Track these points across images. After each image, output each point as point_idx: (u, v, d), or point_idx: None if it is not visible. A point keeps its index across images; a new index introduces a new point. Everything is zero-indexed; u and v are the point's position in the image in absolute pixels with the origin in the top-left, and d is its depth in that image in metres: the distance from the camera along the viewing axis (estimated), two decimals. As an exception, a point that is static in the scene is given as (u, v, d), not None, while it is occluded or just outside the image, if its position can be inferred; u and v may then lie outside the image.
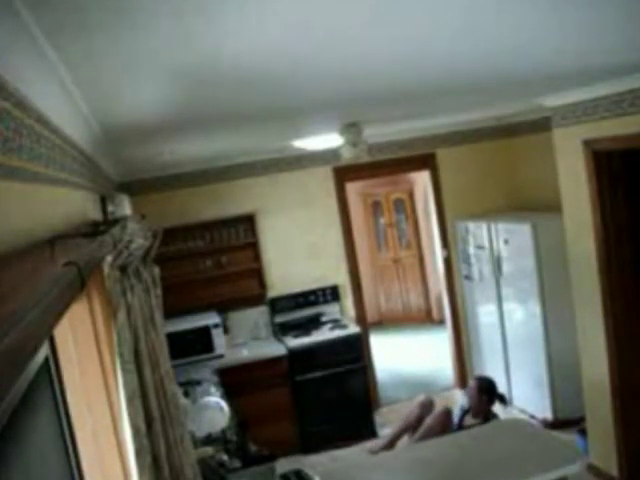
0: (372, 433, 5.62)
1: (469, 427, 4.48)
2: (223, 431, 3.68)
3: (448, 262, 6.38)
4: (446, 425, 4.51)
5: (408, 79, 2.54)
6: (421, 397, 4.97)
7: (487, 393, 4.54)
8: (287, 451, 5.02)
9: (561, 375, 5.12)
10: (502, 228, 5.53)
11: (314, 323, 5.90)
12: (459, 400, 5.00)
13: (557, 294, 5.02)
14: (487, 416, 4.49)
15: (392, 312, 9.40)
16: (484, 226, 5.76)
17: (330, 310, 6.03)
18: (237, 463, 3.38)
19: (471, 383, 4.71)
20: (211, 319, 5.43)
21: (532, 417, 5.35)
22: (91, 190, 2.48)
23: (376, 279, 9.41)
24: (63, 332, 1.71)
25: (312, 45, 1.70)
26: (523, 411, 5.53)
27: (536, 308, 5.21)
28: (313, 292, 5.98)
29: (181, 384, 4.22)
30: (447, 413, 4.60)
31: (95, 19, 1.18)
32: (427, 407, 4.80)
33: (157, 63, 1.65)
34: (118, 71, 1.65)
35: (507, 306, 5.64)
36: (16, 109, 1.07)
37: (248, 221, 5.84)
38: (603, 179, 3.97)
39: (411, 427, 4.77)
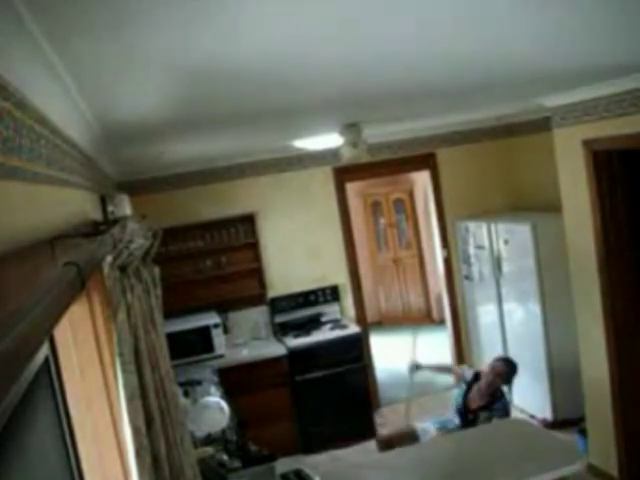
0: (372, 433, 5.61)
1: (475, 411, 4.31)
2: (223, 431, 3.68)
3: (448, 262, 6.38)
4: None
5: (409, 79, 2.54)
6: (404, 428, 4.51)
7: (509, 379, 4.37)
8: (287, 451, 5.01)
9: (561, 375, 5.12)
10: (502, 228, 5.53)
11: (314, 323, 5.89)
12: (465, 374, 4.62)
13: (557, 294, 5.02)
14: (495, 394, 4.30)
15: (392, 312, 9.40)
16: (484, 226, 5.76)
17: (330, 310, 6.03)
18: (237, 463, 3.38)
19: (498, 366, 4.34)
20: (211, 319, 5.43)
21: (532, 417, 5.35)
22: (91, 190, 2.49)
23: (376, 279, 9.41)
24: (63, 332, 1.71)
25: (312, 45, 1.70)
26: (523, 411, 5.53)
27: (536, 308, 5.21)
28: (313, 292, 5.98)
29: (181, 384, 4.21)
30: (412, 434, 4.37)
31: (95, 20, 1.18)
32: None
33: (158, 63, 1.65)
34: (118, 71, 1.65)
35: (507, 306, 5.64)
36: (16, 109, 1.07)
37: (248, 221, 5.84)
38: (603, 179, 3.97)
39: None
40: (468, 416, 4.40)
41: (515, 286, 5.47)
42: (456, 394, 4.55)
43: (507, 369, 4.38)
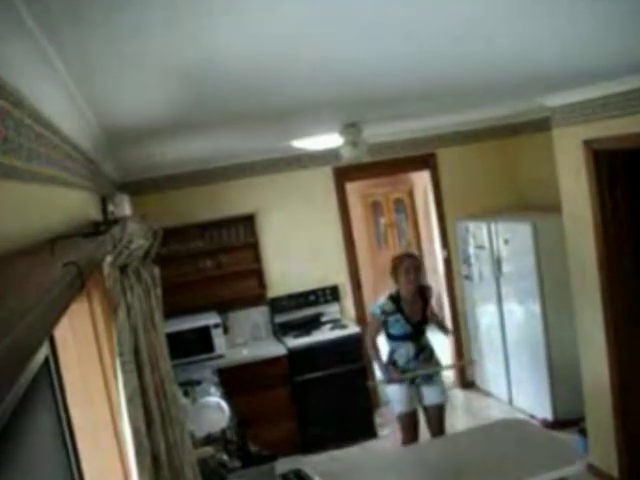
0: (372, 433, 5.61)
1: (422, 320, 4.37)
2: (223, 431, 3.67)
3: (448, 262, 6.38)
4: None
5: (409, 79, 2.54)
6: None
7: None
8: (287, 451, 5.00)
9: (561, 375, 5.12)
10: (502, 228, 5.53)
11: (314, 323, 5.89)
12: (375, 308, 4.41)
13: (557, 294, 5.02)
14: (423, 290, 4.44)
15: (392, 312, 9.39)
16: (484, 226, 5.76)
17: (330, 310, 6.02)
18: (237, 463, 3.37)
19: (411, 264, 4.28)
20: (211, 319, 5.42)
21: (532, 417, 5.34)
22: (91, 190, 2.49)
23: (376, 279, 9.40)
24: (63, 332, 1.71)
25: (312, 45, 1.70)
26: (523, 411, 5.53)
27: (536, 308, 5.21)
28: (313, 292, 5.98)
29: (181, 384, 4.21)
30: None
31: (95, 20, 1.18)
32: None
33: (157, 63, 1.65)
34: (119, 72, 1.65)
35: (507, 306, 5.64)
36: (16, 109, 1.07)
37: (248, 221, 5.83)
38: (603, 179, 3.96)
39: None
40: (420, 329, 4.41)
41: (515, 286, 5.47)
42: (398, 329, 4.33)
43: (416, 259, 4.45)
